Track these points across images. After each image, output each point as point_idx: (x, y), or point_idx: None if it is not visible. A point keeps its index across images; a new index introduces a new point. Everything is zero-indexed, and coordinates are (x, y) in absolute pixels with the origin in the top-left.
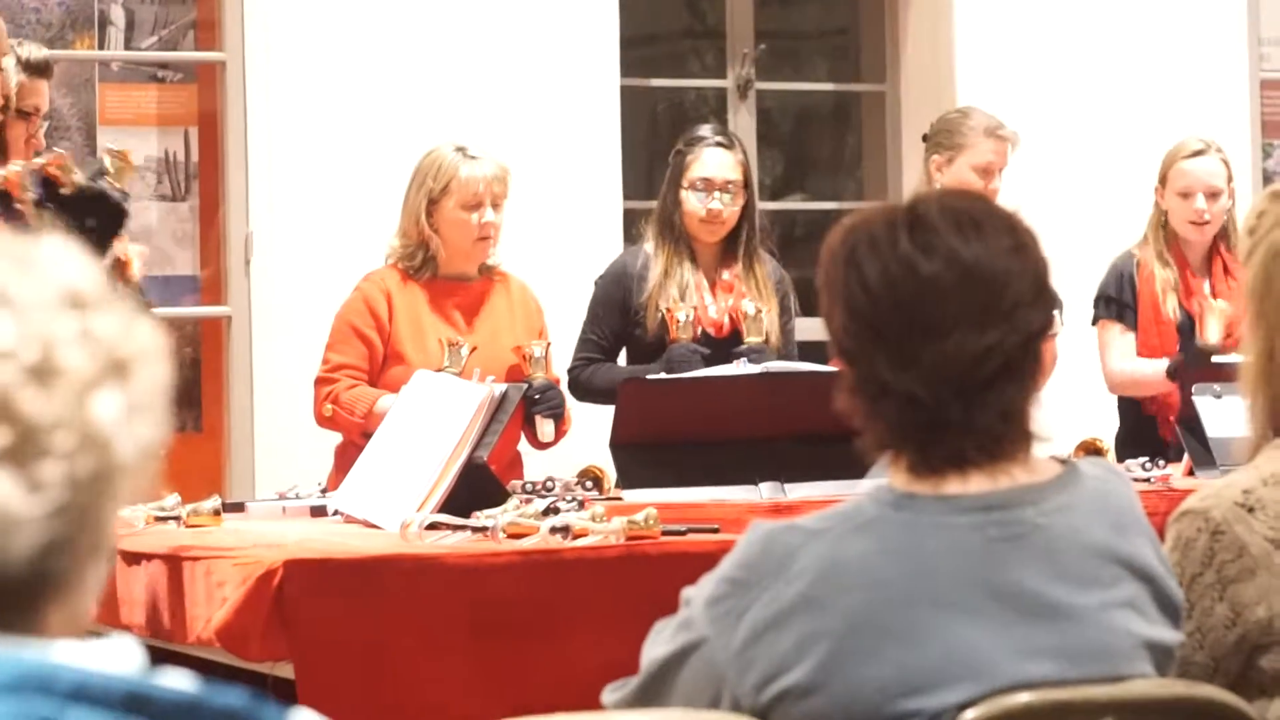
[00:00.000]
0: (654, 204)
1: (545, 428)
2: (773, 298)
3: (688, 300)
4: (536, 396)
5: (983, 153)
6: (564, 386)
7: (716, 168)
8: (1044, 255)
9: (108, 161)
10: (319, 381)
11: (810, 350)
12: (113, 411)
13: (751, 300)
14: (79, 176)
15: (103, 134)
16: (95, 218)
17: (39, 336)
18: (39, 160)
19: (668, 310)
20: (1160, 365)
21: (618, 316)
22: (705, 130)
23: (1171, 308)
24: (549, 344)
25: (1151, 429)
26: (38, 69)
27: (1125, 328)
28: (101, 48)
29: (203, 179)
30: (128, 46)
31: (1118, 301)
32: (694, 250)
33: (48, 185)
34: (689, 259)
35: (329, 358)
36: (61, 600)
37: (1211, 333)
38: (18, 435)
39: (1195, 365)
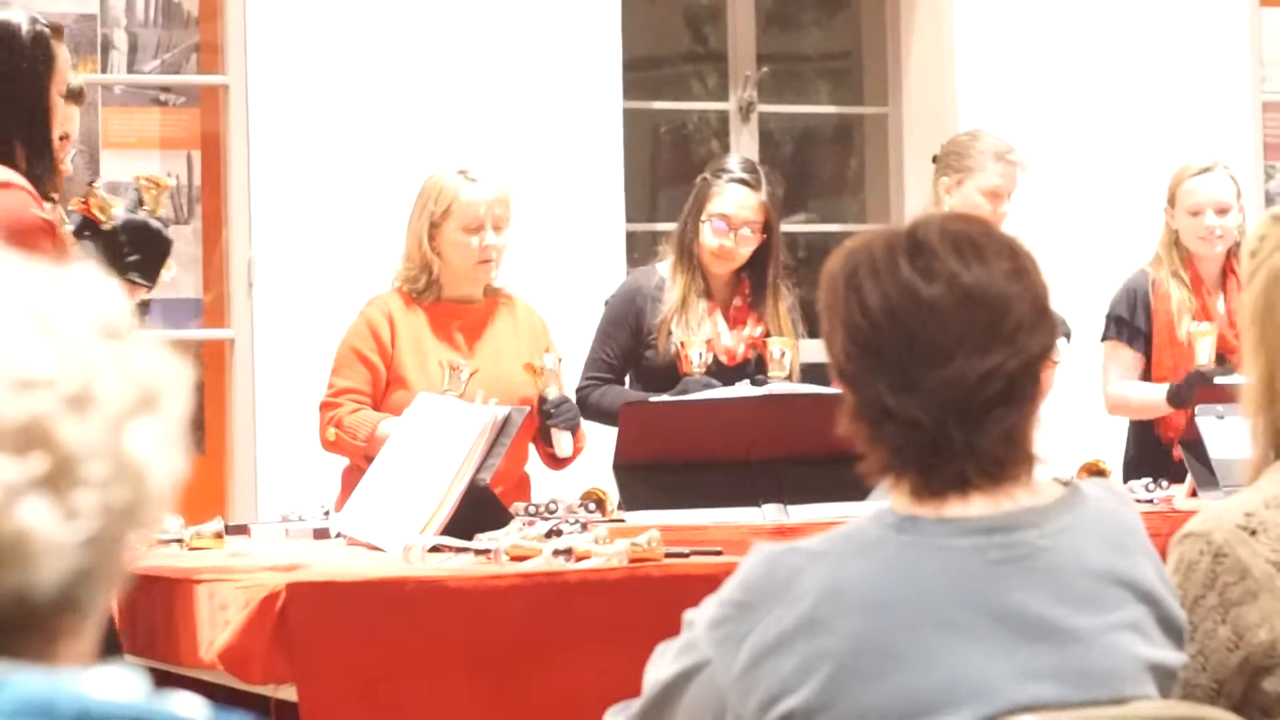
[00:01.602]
0: (657, 226)
1: (562, 440)
2: (791, 333)
3: (701, 331)
4: (551, 410)
5: (991, 176)
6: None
7: (737, 206)
8: (1044, 279)
9: (143, 195)
10: (323, 406)
11: (813, 372)
12: (146, 442)
13: (775, 338)
14: (119, 210)
15: (105, 157)
16: (139, 250)
17: (79, 365)
18: (78, 198)
19: (681, 344)
20: (1157, 390)
21: (628, 335)
22: (732, 164)
23: (1185, 330)
24: (560, 358)
25: (1160, 452)
26: (73, 95)
27: (1130, 350)
28: (104, 71)
29: (205, 202)
30: (130, 70)
31: (1128, 324)
32: (708, 278)
33: (86, 222)
34: (704, 287)
35: (333, 382)
36: (78, 629)
37: (1202, 356)
38: (55, 463)
39: (1196, 386)
